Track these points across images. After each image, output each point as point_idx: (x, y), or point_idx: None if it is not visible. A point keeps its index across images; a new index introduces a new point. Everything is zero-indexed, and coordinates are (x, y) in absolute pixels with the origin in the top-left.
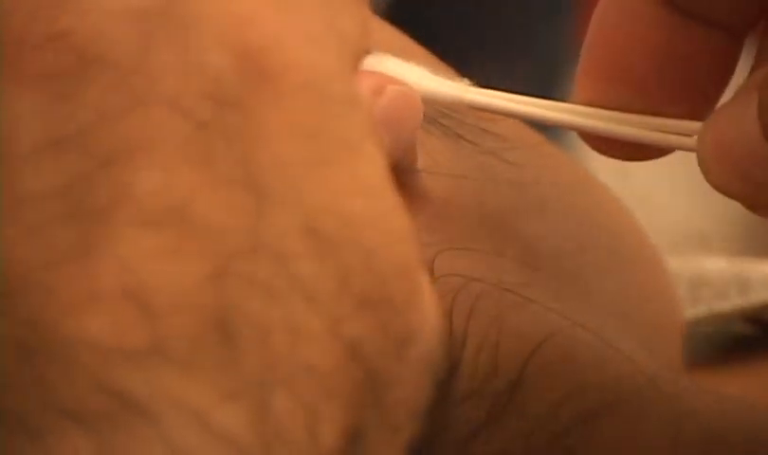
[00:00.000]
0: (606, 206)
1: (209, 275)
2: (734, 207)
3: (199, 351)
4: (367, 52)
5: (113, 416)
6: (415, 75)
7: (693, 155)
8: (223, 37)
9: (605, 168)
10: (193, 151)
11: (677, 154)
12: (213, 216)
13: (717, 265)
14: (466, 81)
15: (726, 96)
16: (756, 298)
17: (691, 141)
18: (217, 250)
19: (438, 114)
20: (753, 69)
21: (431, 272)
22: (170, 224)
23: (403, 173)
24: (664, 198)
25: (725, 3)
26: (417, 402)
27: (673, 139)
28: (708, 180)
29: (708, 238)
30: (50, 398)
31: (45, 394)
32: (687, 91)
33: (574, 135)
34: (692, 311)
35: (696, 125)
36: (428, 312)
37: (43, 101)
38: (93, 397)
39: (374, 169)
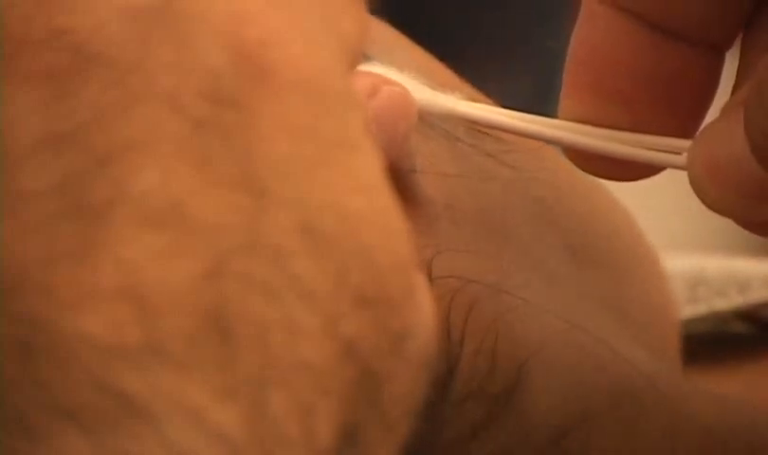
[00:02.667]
0: (604, 208)
1: (206, 273)
2: None
3: (196, 349)
4: (364, 53)
5: (110, 415)
6: (409, 86)
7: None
8: (220, 35)
9: None
10: (191, 149)
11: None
12: (210, 215)
13: (715, 264)
14: (457, 93)
15: (713, 110)
16: (754, 297)
17: (681, 159)
18: (214, 249)
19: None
20: (736, 84)
21: (429, 273)
22: (167, 222)
23: (401, 176)
24: (662, 198)
25: (703, 19)
26: (412, 400)
27: (662, 157)
28: (701, 198)
29: (706, 238)
30: (48, 397)
31: (42, 393)
32: (673, 108)
33: None
34: (691, 310)
35: (685, 143)
36: (423, 309)
37: (41, 99)
38: (90, 396)
39: (370, 167)
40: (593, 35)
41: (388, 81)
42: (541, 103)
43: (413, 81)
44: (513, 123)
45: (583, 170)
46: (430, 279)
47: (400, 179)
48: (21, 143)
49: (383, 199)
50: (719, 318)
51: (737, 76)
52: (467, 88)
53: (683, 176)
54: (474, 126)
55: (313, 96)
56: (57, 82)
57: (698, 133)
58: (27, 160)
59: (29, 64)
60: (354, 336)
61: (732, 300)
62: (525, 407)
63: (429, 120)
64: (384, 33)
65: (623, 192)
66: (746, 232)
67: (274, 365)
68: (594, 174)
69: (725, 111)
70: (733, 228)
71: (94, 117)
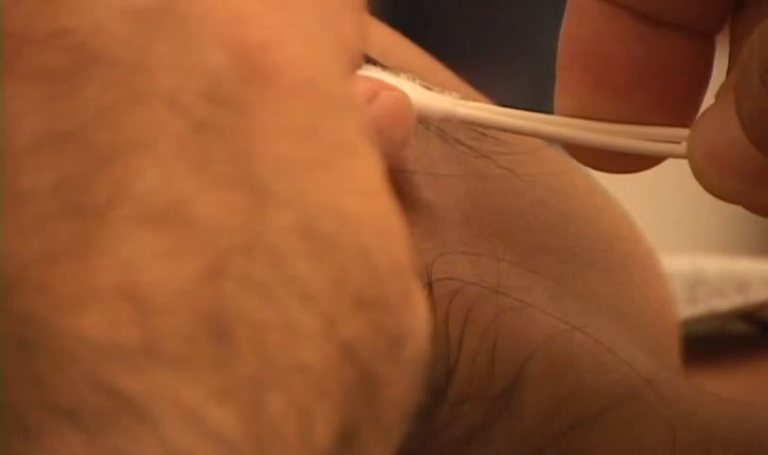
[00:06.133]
0: (604, 209)
1: (204, 274)
2: (731, 206)
3: (194, 350)
4: (364, 57)
5: (107, 414)
6: (407, 89)
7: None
8: (221, 36)
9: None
10: (191, 150)
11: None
12: (210, 215)
13: (715, 265)
14: (455, 94)
15: (710, 96)
16: (754, 297)
17: (680, 148)
18: (213, 249)
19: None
20: (729, 68)
21: (429, 276)
22: (166, 222)
23: (400, 179)
24: (662, 199)
25: (689, 5)
26: (407, 403)
27: (662, 147)
28: (703, 185)
29: (706, 238)
30: (45, 395)
31: (39, 391)
32: (669, 96)
33: None
34: (690, 310)
35: (683, 131)
36: (419, 312)
37: (41, 98)
38: (87, 395)
39: (370, 170)
40: (581, 29)
41: (387, 86)
42: (540, 103)
43: (411, 84)
44: (512, 122)
45: (585, 164)
46: (430, 281)
47: (399, 182)
48: (21, 142)
49: (382, 201)
50: (718, 318)
51: (729, 59)
52: (466, 88)
53: (681, 177)
54: (473, 127)
55: (312, 98)
56: (57, 82)
57: (695, 120)
58: (26, 159)
59: (30, 64)
60: (352, 338)
61: (731, 301)
62: (524, 408)
63: (427, 122)
64: (383, 34)
65: (623, 193)
66: (746, 233)
67: (272, 366)
68: (597, 169)
69: (719, 96)
70: (732, 229)
71: (94, 116)
